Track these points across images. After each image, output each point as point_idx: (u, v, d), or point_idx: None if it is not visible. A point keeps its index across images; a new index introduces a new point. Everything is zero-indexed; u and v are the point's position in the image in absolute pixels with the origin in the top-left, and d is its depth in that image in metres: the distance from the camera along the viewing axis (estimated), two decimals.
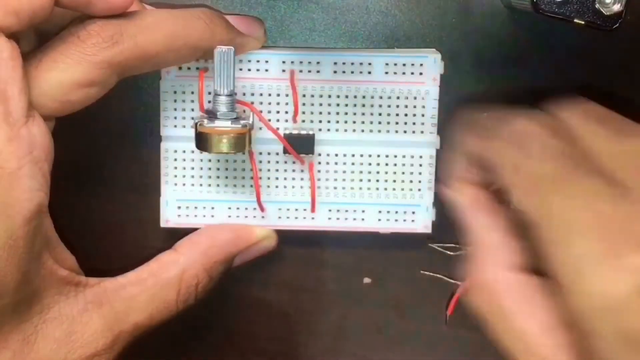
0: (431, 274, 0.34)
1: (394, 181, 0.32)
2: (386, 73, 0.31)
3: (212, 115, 0.29)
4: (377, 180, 0.32)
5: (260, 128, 0.31)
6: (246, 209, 0.32)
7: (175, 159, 0.32)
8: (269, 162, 0.32)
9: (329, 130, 0.32)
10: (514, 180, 0.24)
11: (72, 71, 0.26)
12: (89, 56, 0.26)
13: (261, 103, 0.31)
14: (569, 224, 0.22)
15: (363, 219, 0.32)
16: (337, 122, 0.32)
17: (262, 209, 0.32)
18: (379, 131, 0.32)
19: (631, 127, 0.25)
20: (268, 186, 0.32)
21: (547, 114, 0.26)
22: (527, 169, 0.24)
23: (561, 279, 0.21)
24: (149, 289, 0.29)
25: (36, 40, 0.28)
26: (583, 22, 0.29)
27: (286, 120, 0.32)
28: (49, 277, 0.27)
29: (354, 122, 0.32)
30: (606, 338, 0.20)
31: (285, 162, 0.32)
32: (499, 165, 0.25)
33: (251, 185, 0.32)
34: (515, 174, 0.24)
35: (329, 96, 0.31)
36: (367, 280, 0.35)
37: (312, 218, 0.32)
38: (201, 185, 0.32)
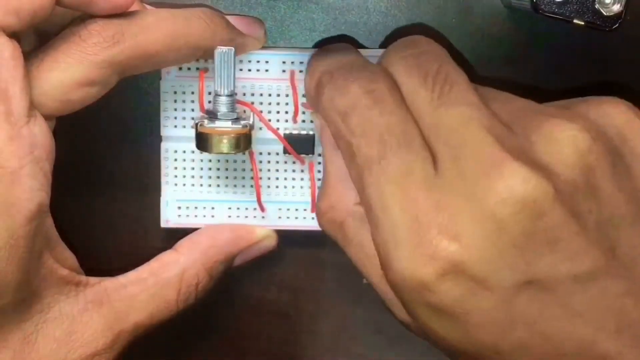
0: None
1: None
2: None
3: (212, 115, 0.29)
4: None
5: (261, 128, 0.31)
6: (246, 209, 0.32)
7: (176, 159, 0.32)
8: (269, 162, 0.32)
9: None
10: (339, 144, 0.27)
11: (73, 70, 0.26)
12: (90, 56, 0.26)
13: (261, 103, 0.31)
14: (384, 209, 0.24)
15: None
16: None
17: (262, 209, 0.32)
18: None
19: (459, 92, 0.25)
20: (268, 186, 0.32)
21: (379, 66, 0.28)
22: (345, 144, 0.26)
23: (378, 251, 0.25)
24: (150, 288, 0.29)
25: (37, 40, 0.28)
26: (583, 22, 0.29)
27: (286, 121, 0.32)
28: (49, 276, 0.27)
29: None
30: (415, 306, 0.24)
31: (286, 162, 0.32)
32: (328, 122, 0.27)
33: (251, 186, 0.32)
34: (339, 139, 0.26)
35: None
36: (367, 280, 0.35)
37: (312, 218, 0.32)
38: (201, 185, 0.32)
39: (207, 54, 0.29)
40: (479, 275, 0.23)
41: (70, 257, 0.29)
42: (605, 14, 0.29)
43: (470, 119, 0.24)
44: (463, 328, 0.24)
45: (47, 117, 0.26)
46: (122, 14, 0.27)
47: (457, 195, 0.23)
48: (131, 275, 0.30)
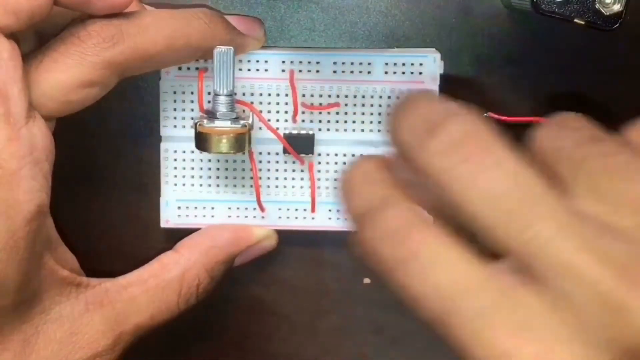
0: None
1: None
2: (386, 73, 0.31)
3: (211, 115, 0.29)
4: None
5: (260, 128, 0.31)
6: (246, 209, 0.32)
7: (175, 159, 0.32)
8: (268, 162, 0.32)
9: (328, 130, 0.32)
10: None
11: (73, 71, 0.26)
12: (90, 56, 0.26)
13: (261, 103, 0.31)
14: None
15: None
16: (337, 122, 0.32)
17: (262, 209, 0.32)
18: (379, 131, 0.32)
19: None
20: (268, 186, 0.32)
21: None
22: None
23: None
24: (150, 289, 0.29)
25: (36, 41, 0.28)
26: (583, 22, 0.29)
27: (286, 120, 0.32)
28: (50, 277, 0.27)
29: (354, 122, 0.32)
30: None
31: (285, 162, 0.32)
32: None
33: (251, 185, 0.32)
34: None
35: (329, 96, 0.31)
36: (367, 280, 0.35)
37: (312, 218, 0.32)
38: (201, 185, 0.32)
39: (206, 55, 0.29)
40: None
41: (70, 258, 0.29)
42: (605, 13, 0.29)
43: (575, 250, 0.19)
44: None
45: (46, 118, 0.26)
46: (121, 15, 0.27)
47: (576, 336, 0.19)
48: (132, 276, 0.30)
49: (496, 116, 0.32)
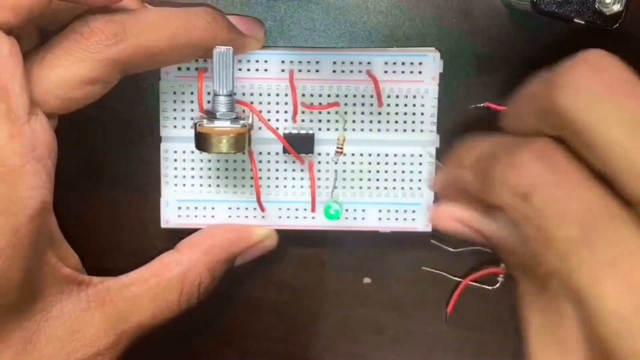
0: (433, 270, 0.34)
1: (394, 180, 0.32)
2: (385, 72, 0.31)
3: (211, 115, 0.29)
4: (377, 180, 0.32)
5: (260, 128, 0.31)
6: (246, 209, 0.32)
7: (175, 160, 0.32)
8: (268, 162, 0.32)
9: (328, 129, 0.32)
10: (526, 231, 0.22)
11: (75, 68, 0.26)
12: (92, 54, 0.26)
13: (260, 103, 0.31)
14: (602, 298, 0.20)
15: (363, 219, 0.32)
16: (337, 121, 0.32)
17: (262, 209, 0.32)
18: (379, 130, 0.32)
19: None
20: (268, 186, 0.32)
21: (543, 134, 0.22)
22: (534, 228, 0.21)
23: (603, 343, 0.20)
24: (152, 288, 0.29)
25: (39, 38, 0.28)
26: (583, 22, 0.29)
27: (286, 120, 0.32)
28: (52, 275, 0.27)
29: (354, 122, 0.32)
30: None
31: (285, 162, 0.32)
32: (506, 208, 0.22)
33: (251, 185, 0.32)
34: (525, 225, 0.21)
35: (329, 96, 0.31)
36: (367, 280, 0.35)
37: (312, 218, 0.32)
38: (201, 185, 0.32)
39: (208, 53, 0.29)
40: None
41: (73, 256, 0.29)
42: (605, 13, 0.29)
43: None
44: None
45: (49, 115, 0.26)
46: (124, 12, 0.27)
47: None
48: (133, 275, 0.30)
49: (495, 106, 0.32)
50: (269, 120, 0.31)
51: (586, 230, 0.20)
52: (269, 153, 0.32)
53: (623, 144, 0.20)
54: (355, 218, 0.32)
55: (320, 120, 0.32)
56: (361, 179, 0.32)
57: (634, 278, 0.20)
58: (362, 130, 0.32)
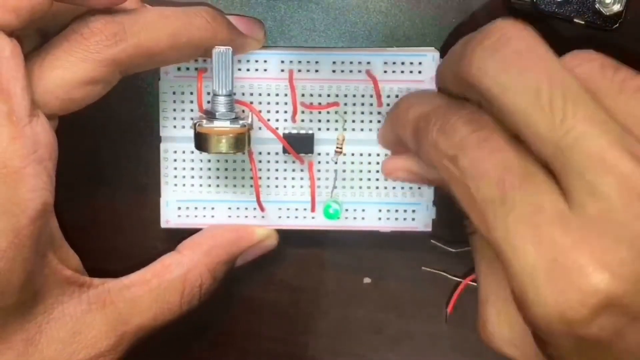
0: (433, 270, 0.34)
1: (394, 180, 0.32)
2: (385, 72, 0.31)
3: (211, 115, 0.29)
4: (377, 180, 0.32)
5: (260, 128, 0.31)
6: (246, 209, 0.32)
7: (175, 160, 0.32)
8: (268, 162, 0.32)
9: (328, 129, 0.32)
10: (455, 190, 0.24)
11: (76, 69, 0.26)
12: (93, 54, 0.26)
13: (260, 103, 0.31)
14: (516, 252, 0.22)
15: (363, 218, 0.32)
16: (336, 121, 0.32)
17: (262, 209, 0.32)
18: (378, 130, 0.32)
19: (585, 110, 0.21)
20: (268, 186, 0.32)
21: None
22: (462, 188, 0.23)
23: (515, 296, 0.22)
24: (153, 290, 0.29)
25: (39, 39, 0.28)
26: (583, 22, 0.29)
27: (285, 120, 0.32)
28: (53, 277, 0.27)
29: (353, 122, 0.32)
30: (561, 346, 0.22)
31: (285, 162, 0.32)
32: (438, 169, 0.24)
33: (251, 185, 0.32)
34: (454, 185, 0.24)
35: (328, 95, 0.31)
36: (367, 280, 0.35)
37: (312, 218, 0.32)
38: (201, 185, 0.32)
39: (208, 53, 0.29)
40: (635, 308, 0.21)
41: (74, 257, 0.29)
42: (605, 13, 0.29)
43: (609, 145, 0.21)
44: (615, 357, 0.22)
45: (49, 116, 0.26)
46: (124, 12, 0.27)
47: (601, 230, 0.21)
48: (134, 276, 0.30)
49: None
50: (268, 120, 0.31)
51: (503, 189, 0.22)
52: (268, 153, 0.32)
53: (525, 112, 0.22)
54: (355, 218, 0.32)
55: (319, 120, 0.32)
56: (361, 179, 0.32)
57: (544, 234, 0.21)
58: (361, 130, 0.32)
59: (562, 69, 0.22)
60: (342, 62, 0.31)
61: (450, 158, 0.23)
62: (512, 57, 0.22)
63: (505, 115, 0.22)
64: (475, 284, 0.34)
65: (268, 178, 0.32)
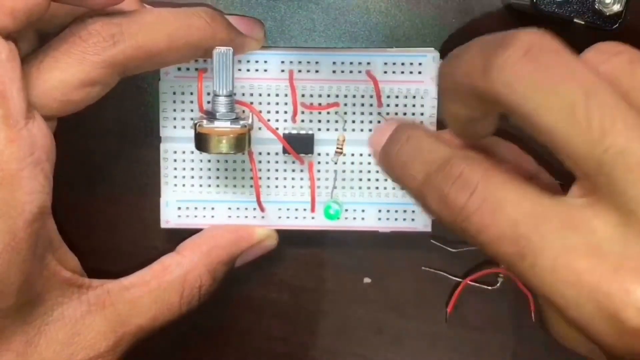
0: (433, 270, 0.34)
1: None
2: (385, 72, 0.31)
3: (211, 115, 0.29)
4: (377, 180, 0.32)
5: (260, 128, 0.31)
6: (246, 209, 0.32)
7: (175, 160, 0.32)
8: (268, 162, 0.32)
9: (328, 130, 0.32)
10: None
11: (74, 71, 0.26)
12: (91, 55, 0.26)
13: (260, 103, 0.31)
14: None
15: (363, 219, 0.32)
16: (336, 121, 0.32)
17: (262, 209, 0.32)
18: None
19: (625, 125, 0.20)
20: (268, 186, 0.32)
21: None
22: None
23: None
24: (152, 291, 0.29)
25: (37, 40, 0.28)
26: (583, 22, 0.29)
27: (285, 120, 0.32)
28: (52, 278, 0.27)
29: (353, 122, 0.32)
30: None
31: (285, 162, 0.32)
32: None
33: (251, 186, 0.32)
34: None
35: (328, 96, 0.31)
36: (367, 280, 0.35)
37: (312, 218, 0.32)
38: (201, 185, 0.32)
39: (207, 54, 0.29)
40: None
41: (72, 259, 0.29)
42: (605, 13, 0.29)
43: None
44: None
45: (47, 118, 0.26)
46: (122, 14, 0.27)
47: None
48: (134, 277, 0.29)
49: None
50: (268, 120, 0.31)
51: (518, 246, 0.21)
52: (268, 153, 0.32)
53: (562, 130, 0.20)
54: (355, 218, 0.32)
55: (320, 121, 0.32)
56: (361, 179, 0.32)
57: (577, 272, 0.20)
58: (361, 130, 0.32)
59: (594, 78, 0.21)
60: (342, 63, 0.31)
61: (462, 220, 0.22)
62: (542, 72, 0.21)
63: (539, 134, 0.21)
64: (475, 284, 0.34)
65: (268, 178, 0.32)
